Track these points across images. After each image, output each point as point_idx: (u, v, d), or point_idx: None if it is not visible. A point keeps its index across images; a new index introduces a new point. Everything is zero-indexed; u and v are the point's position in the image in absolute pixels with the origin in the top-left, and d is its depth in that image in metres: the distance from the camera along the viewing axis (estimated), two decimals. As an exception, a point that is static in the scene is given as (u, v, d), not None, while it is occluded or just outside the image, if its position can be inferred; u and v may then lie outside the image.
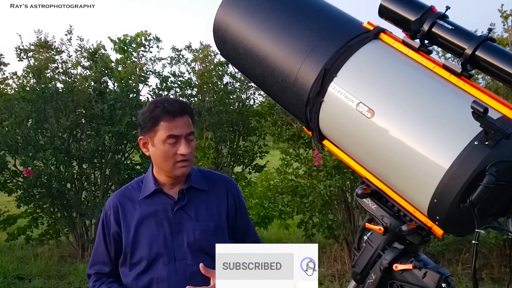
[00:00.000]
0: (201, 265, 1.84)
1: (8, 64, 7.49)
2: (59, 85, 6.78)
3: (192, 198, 1.97)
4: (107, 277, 2.02)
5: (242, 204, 2.09)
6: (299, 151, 6.31)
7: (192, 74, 7.48)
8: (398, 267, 1.45)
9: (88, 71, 6.95)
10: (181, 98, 6.84)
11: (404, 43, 1.50)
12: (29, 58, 6.97)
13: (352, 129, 1.49)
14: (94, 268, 2.04)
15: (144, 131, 1.94)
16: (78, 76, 6.92)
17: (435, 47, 1.55)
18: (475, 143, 1.25)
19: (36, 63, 6.86)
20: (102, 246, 2.01)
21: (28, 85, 6.84)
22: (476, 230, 1.24)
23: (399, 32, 1.53)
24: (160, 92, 7.27)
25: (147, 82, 7.22)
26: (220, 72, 7.37)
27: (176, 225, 1.93)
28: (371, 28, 1.58)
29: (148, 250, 1.92)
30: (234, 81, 7.47)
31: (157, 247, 1.91)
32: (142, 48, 7.37)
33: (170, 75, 7.32)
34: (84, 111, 6.66)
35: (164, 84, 7.25)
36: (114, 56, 7.58)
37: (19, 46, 6.94)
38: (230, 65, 7.00)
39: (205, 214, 1.97)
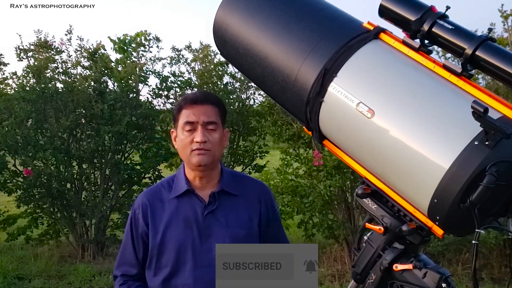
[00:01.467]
0: None
1: (8, 64, 7.50)
2: (59, 85, 6.79)
3: (223, 202, 1.89)
4: (134, 279, 1.95)
5: (275, 213, 2.01)
6: (299, 151, 6.31)
7: (192, 74, 7.48)
8: (398, 267, 1.45)
9: (88, 71, 6.95)
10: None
11: (404, 43, 1.51)
12: (29, 58, 6.98)
13: (352, 129, 1.49)
14: (120, 269, 1.97)
15: (174, 122, 1.93)
16: (78, 76, 6.92)
17: (435, 47, 1.55)
18: (475, 143, 1.25)
19: (36, 63, 6.87)
20: (130, 246, 1.94)
21: (28, 85, 6.83)
22: (476, 230, 1.24)
23: (399, 32, 1.54)
24: (160, 92, 7.27)
25: (147, 82, 7.22)
26: (220, 72, 7.37)
27: (205, 230, 1.86)
28: (371, 28, 1.58)
29: (175, 255, 1.86)
30: (234, 81, 7.47)
31: (185, 251, 1.85)
32: (142, 48, 7.37)
33: (170, 75, 7.32)
34: (84, 111, 6.66)
35: (164, 84, 7.25)
36: (114, 56, 7.59)
37: (19, 46, 6.94)
38: (230, 65, 7.00)
39: (236, 220, 1.89)
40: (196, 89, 7.28)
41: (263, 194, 1.98)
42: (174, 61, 7.39)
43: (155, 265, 1.89)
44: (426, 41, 1.47)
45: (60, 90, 6.69)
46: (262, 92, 6.99)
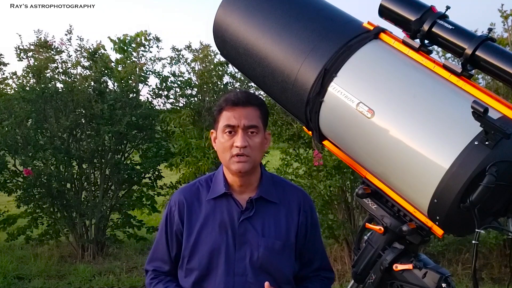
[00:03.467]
0: (266, 283, 1.69)
1: (8, 64, 7.50)
2: (59, 85, 6.79)
3: (260, 209, 1.82)
4: (165, 275, 1.91)
5: (314, 223, 1.92)
6: (299, 151, 6.31)
7: (192, 74, 7.48)
8: (398, 267, 1.45)
9: (88, 71, 6.95)
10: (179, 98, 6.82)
11: (404, 43, 1.50)
12: (29, 58, 6.98)
13: (352, 129, 1.49)
14: (152, 264, 1.93)
15: (214, 123, 1.85)
16: (78, 76, 6.92)
17: (435, 47, 1.55)
18: (475, 143, 1.25)
19: (36, 63, 6.87)
20: (163, 243, 1.89)
21: (28, 85, 6.84)
22: (476, 230, 1.24)
23: (399, 32, 1.54)
24: (160, 92, 7.27)
25: (147, 82, 7.22)
26: (220, 72, 7.37)
27: (240, 237, 1.79)
28: (371, 28, 1.58)
29: (207, 258, 1.80)
30: (234, 81, 7.46)
31: (218, 256, 1.79)
32: (142, 48, 7.36)
33: (170, 75, 7.32)
34: (84, 111, 6.66)
35: (164, 84, 7.25)
36: (114, 56, 7.58)
37: (19, 46, 6.94)
38: (230, 65, 7.00)
39: (273, 230, 1.81)
40: (195, 89, 7.28)
41: (303, 202, 1.88)
42: (174, 61, 7.38)
43: (186, 266, 1.84)
44: (426, 41, 1.47)
45: (60, 90, 6.69)
46: (262, 92, 6.98)
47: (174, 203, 1.89)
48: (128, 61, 7.32)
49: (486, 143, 1.23)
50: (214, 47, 7.09)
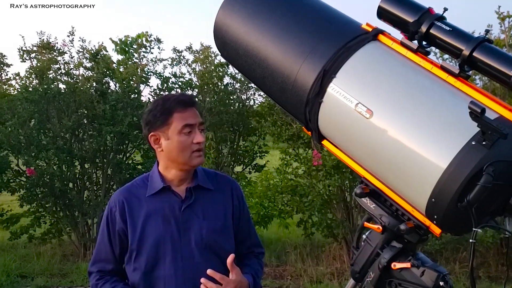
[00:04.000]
0: (209, 271, 1.81)
1: (11, 65, 7.52)
2: (62, 86, 6.79)
3: (199, 197, 1.95)
4: (110, 275, 1.98)
5: (245, 206, 2.08)
6: (298, 151, 6.31)
7: (192, 75, 7.48)
8: (396, 265, 1.45)
9: (90, 72, 6.96)
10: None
11: (402, 44, 1.51)
12: (32, 59, 6.98)
13: (351, 129, 1.49)
14: (96, 265, 2.01)
15: (156, 127, 1.93)
16: (80, 77, 6.92)
17: (433, 48, 1.55)
18: (473, 143, 1.25)
19: (38, 64, 6.87)
20: (106, 243, 1.97)
21: (31, 85, 6.84)
22: (474, 229, 1.24)
23: (397, 34, 1.54)
24: (161, 93, 7.27)
25: (148, 83, 7.22)
26: (220, 73, 7.37)
27: (184, 224, 1.91)
28: (370, 29, 1.58)
29: (155, 248, 1.90)
30: (234, 82, 7.47)
31: (164, 245, 1.89)
32: (143, 49, 7.36)
33: (171, 76, 7.32)
34: (86, 112, 6.66)
35: (165, 85, 7.25)
36: (115, 57, 7.57)
37: (22, 47, 6.95)
38: (230, 66, 7.00)
39: (212, 213, 1.95)
40: (196, 90, 7.29)
41: (234, 188, 2.05)
42: (175, 62, 7.39)
43: (134, 259, 1.92)
44: (424, 43, 1.47)
45: (63, 91, 6.69)
46: (262, 93, 7.00)
47: (114, 204, 1.97)
48: (130, 62, 7.32)
49: (483, 143, 1.23)
50: (214, 49, 7.09)
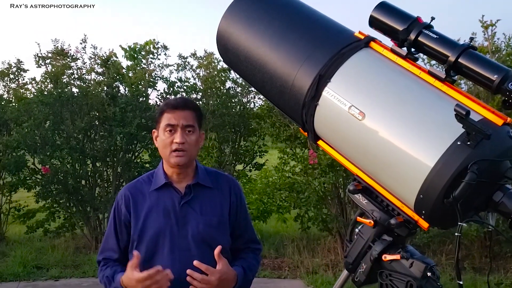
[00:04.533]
0: (195, 262, 1.81)
1: (28, 70, 7.50)
2: (75, 90, 6.79)
3: (198, 194, 1.96)
4: (114, 262, 2.00)
5: (243, 203, 2.08)
6: (295, 151, 6.31)
7: (197, 79, 7.48)
8: (387, 257, 1.45)
9: (101, 76, 6.96)
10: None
11: (392, 51, 1.51)
12: (47, 65, 6.98)
13: (345, 130, 1.49)
14: (103, 254, 2.03)
15: (155, 125, 2.00)
16: (92, 82, 6.92)
17: (421, 54, 1.55)
18: (458, 143, 1.25)
19: (53, 70, 6.87)
20: (112, 234, 2.00)
21: (46, 89, 6.84)
22: (459, 223, 1.24)
23: (388, 41, 1.53)
24: (168, 96, 7.27)
25: (155, 87, 7.22)
26: (223, 78, 7.37)
27: (182, 218, 1.93)
28: (362, 37, 1.58)
29: (154, 239, 1.92)
30: (236, 86, 7.47)
31: (163, 237, 1.91)
32: (151, 56, 7.36)
33: (177, 80, 7.32)
34: (97, 114, 6.66)
35: (171, 89, 7.25)
36: (125, 63, 7.57)
37: (37, 54, 6.95)
38: (232, 71, 7.00)
39: (209, 209, 1.96)
40: (200, 94, 7.29)
41: (233, 186, 2.05)
42: (181, 67, 7.39)
43: (136, 248, 1.93)
44: (413, 49, 1.47)
45: (76, 95, 6.70)
46: (261, 96, 6.99)
47: (120, 197, 2.00)
48: (138, 68, 7.32)
49: (468, 143, 1.23)
50: (217, 55, 7.09)
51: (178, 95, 7.27)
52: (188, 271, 1.79)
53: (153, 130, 2.01)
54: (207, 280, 1.79)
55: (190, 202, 1.95)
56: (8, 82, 7.36)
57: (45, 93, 6.68)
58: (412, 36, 1.43)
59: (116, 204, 2.02)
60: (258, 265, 2.08)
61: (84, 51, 6.98)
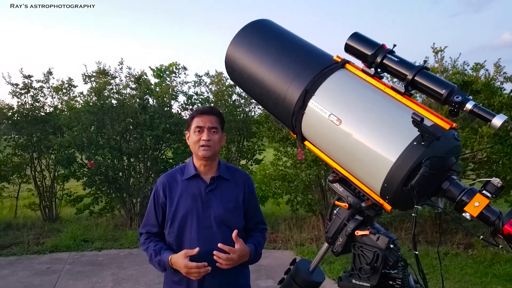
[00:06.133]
0: (220, 244, 1.81)
1: (77, 86, 7.52)
2: (114, 101, 6.81)
3: (219, 184, 1.97)
4: (154, 236, 2.00)
5: (254, 193, 2.08)
6: (287, 149, 6.32)
7: (209, 93, 7.49)
8: (358, 233, 1.45)
9: (134, 91, 6.97)
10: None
11: (363, 71, 1.50)
12: (92, 82, 6.99)
13: (325, 133, 1.48)
14: (145, 228, 2.03)
15: (187, 128, 2.01)
16: (127, 95, 6.93)
17: (386, 74, 1.55)
18: (414, 143, 1.24)
19: (96, 86, 6.88)
20: (152, 212, 2.00)
21: (91, 101, 6.86)
22: (415, 206, 1.24)
23: (359, 63, 1.53)
24: (187, 106, 7.27)
25: (177, 99, 7.25)
26: (230, 92, 7.39)
27: (206, 202, 1.93)
28: (339, 60, 1.57)
29: (184, 218, 1.92)
30: (240, 98, 7.48)
31: (192, 217, 1.92)
32: (173, 75, 7.37)
33: (194, 94, 7.33)
34: (131, 120, 6.68)
35: (189, 101, 7.27)
36: (153, 80, 7.60)
37: (84, 73, 6.96)
38: (237, 87, 7.00)
39: (228, 196, 1.97)
40: (212, 104, 7.29)
41: (246, 180, 2.05)
42: (197, 84, 7.40)
43: (170, 226, 1.94)
44: (379, 70, 1.47)
45: (114, 105, 6.72)
46: (260, 107, 7.00)
47: (159, 184, 2.01)
48: (164, 84, 7.33)
49: (422, 143, 1.23)
50: (225, 74, 7.09)
51: (195, 106, 7.28)
52: (215, 252, 1.81)
53: (186, 132, 2.03)
54: (230, 258, 1.81)
55: (213, 190, 1.95)
56: (61, 95, 7.37)
57: (91, 104, 6.70)
58: (378, 59, 1.43)
59: (155, 189, 2.01)
60: (265, 241, 2.08)
61: (121, 71, 7.00)
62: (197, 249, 1.81)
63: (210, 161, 1.97)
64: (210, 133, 1.93)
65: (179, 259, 1.82)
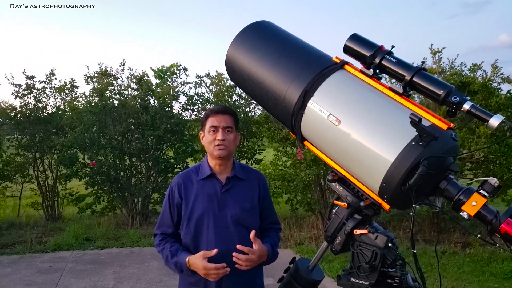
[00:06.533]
0: (238, 246, 1.78)
1: (79, 86, 7.52)
2: (115, 102, 6.81)
3: (235, 184, 1.92)
4: (170, 237, 1.95)
5: (268, 193, 2.04)
6: (286, 149, 6.32)
7: (210, 94, 7.49)
8: (357, 232, 1.45)
9: (136, 92, 6.96)
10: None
11: (361, 72, 1.50)
12: (94, 83, 6.99)
13: (325, 133, 1.48)
14: (160, 229, 1.97)
15: (201, 127, 1.97)
16: (129, 96, 6.93)
17: (384, 74, 1.55)
18: (412, 143, 1.24)
19: (98, 86, 6.88)
20: (168, 212, 1.94)
21: (93, 102, 6.86)
22: (413, 205, 1.24)
23: (358, 64, 1.53)
24: (188, 107, 7.27)
25: (178, 100, 7.24)
26: (230, 93, 7.38)
27: (222, 202, 1.88)
28: (338, 61, 1.57)
29: (200, 219, 1.87)
30: (240, 99, 7.48)
31: (208, 217, 1.87)
32: (174, 75, 7.37)
33: (195, 95, 7.33)
34: (133, 120, 6.68)
35: (190, 101, 7.26)
36: (154, 81, 7.61)
37: (86, 74, 6.96)
38: (237, 88, 7.01)
39: (244, 196, 1.92)
40: (213, 105, 7.29)
41: (261, 179, 2.01)
42: (197, 84, 7.40)
43: (186, 226, 1.89)
44: (377, 71, 1.46)
45: (116, 106, 6.71)
46: (260, 107, 7.00)
47: (174, 184, 1.95)
48: (165, 85, 7.33)
49: (420, 143, 1.22)
50: (226, 75, 7.10)
51: (195, 106, 7.28)
52: (234, 254, 1.77)
53: (200, 132, 1.99)
54: (250, 259, 1.77)
55: (229, 190, 1.90)
56: (64, 96, 7.37)
57: (93, 104, 6.69)
58: (377, 61, 1.43)
59: (170, 189, 1.95)
60: (279, 241, 2.03)
61: (122, 72, 7.01)
62: (215, 250, 1.76)
63: (225, 160, 1.92)
64: (225, 133, 1.89)
65: (197, 261, 1.76)
